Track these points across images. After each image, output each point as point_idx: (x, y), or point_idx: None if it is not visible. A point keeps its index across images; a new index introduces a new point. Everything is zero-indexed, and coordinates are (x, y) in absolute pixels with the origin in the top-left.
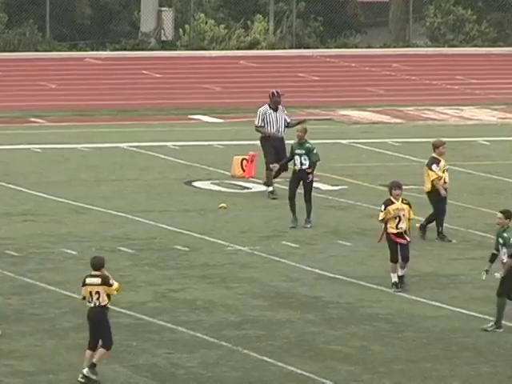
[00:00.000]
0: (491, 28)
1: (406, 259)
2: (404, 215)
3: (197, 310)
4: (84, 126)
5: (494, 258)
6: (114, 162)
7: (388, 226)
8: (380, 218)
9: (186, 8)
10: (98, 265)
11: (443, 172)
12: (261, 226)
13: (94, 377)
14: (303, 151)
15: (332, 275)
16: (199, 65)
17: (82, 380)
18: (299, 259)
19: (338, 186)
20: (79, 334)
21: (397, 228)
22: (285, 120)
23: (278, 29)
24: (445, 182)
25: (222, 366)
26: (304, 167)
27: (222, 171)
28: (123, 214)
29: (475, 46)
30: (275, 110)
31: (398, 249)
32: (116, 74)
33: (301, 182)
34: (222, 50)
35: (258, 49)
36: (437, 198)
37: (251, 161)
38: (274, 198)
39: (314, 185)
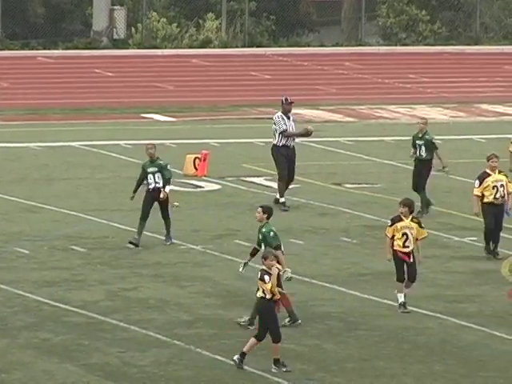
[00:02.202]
0: (443, 27)
1: (412, 279)
2: (412, 233)
3: (149, 309)
4: (36, 124)
5: (255, 251)
6: (67, 161)
7: (395, 243)
8: (387, 233)
9: (137, 7)
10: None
11: (493, 188)
12: (213, 224)
13: (284, 369)
14: (156, 169)
15: None
16: (151, 63)
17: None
18: (253, 258)
19: (290, 184)
20: (31, 332)
21: (404, 246)
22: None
23: (231, 27)
24: (496, 198)
25: (174, 365)
26: (158, 185)
27: (174, 170)
28: (75, 213)
29: (427, 44)
30: (287, 117)
31: (404, 267)
32: (68, 72)
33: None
34: (175, 48)
35: (210, 47)
36: (484, 212)
37: (204, 159)
38: (285, 210)
39: (267, 183)
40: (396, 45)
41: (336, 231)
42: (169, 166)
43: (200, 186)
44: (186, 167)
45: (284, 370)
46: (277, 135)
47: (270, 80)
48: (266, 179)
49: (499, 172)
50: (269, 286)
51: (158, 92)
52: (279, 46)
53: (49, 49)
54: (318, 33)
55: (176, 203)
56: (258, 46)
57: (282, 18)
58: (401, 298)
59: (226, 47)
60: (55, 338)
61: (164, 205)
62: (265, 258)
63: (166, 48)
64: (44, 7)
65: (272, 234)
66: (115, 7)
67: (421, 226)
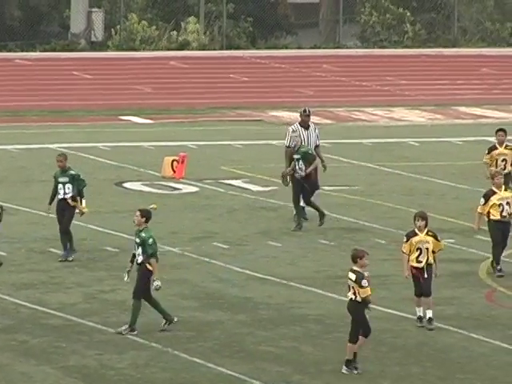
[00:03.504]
0: (422, 29)
1: (425, 294)
2: (427, 248)
3: (127, 312)
4: (14, 126)
5: (134, 258)
6: (44, 163)
7: (410, 258)
8: (404, 249)
9: (114, 9)
10: (355, 257)
11: (499, 206)
12: (191, 226)
13: (355, 371)
14: (67, 179)
15: (262, 276)
16: (129, 65)
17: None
18: (230, 260)
19: (268, 186)
20: (9, 335)
21: (417, 261)
22: (315, 140)
23: (209, 30)
24: (503, 216)
25: (152, 367)
26: (67, 196)
27: (152, 172)
28: (53, 215)
29: (405, 46)
30: (306, 128)
31: (419, 282)
32: (46, 74)
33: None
34: (153, 50)
35: (188, 50)
36: (491, 230)
37: (182, 162)
38: (305, 219)
39: (245, 186)
40: (374, 47)
41: (314, 233)
42: (81, 176)
43: (178, 189)
44: (163, 169)
45: (356, 372)
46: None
47: (248, 82)
48: (243, 181)
49: (505, 189)
50: (368, 290)
51: (136, 94)
52: (257, 49)
53: (26, 51)
54: (296, 35)
55: (153, 205)
56: (236, 49)
57: (260, 21)
58: (419, 311)
59: (204, 49)
60: (33, 340)
61: (68, 217)
62: (360, 257)
63: (144, 50)
64: (21, 10)
65: (151, 240)
66: (93, 9)
67: (437, 239)
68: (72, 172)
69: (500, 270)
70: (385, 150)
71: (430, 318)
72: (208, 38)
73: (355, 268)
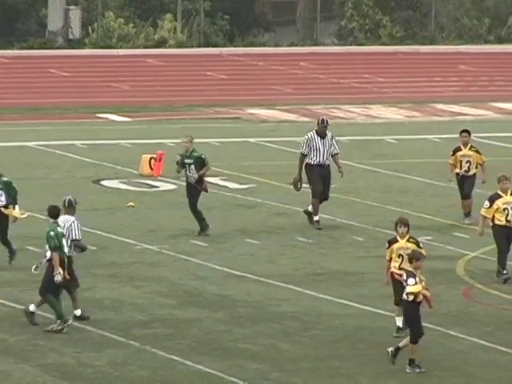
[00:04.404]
0: (397, 26)
1: None
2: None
3: (105, 309)
4: None
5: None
6: (22, 161)
7: (391, 265)
8: (387, 256)
9: (92, 6)
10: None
11: (504, 210)
12: (169, 224)
13: (417, 370)
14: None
15: (240, 273)
16: (107, 63)
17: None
18: (207, 258)
19: (246, 184)
20: None
21: (399, 268)
22: (333, 148)
23: (186, 27)
24: (508, 221)
25: (129, 365)
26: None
27: (130, 170)
28: (31, 213)
29: (382, 44)
30: (322, 137)
31: (401, 290)
32: (23, 72)
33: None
34: (130, 48)
35: (165, 47)
36: (495, 235)
37: (159, 159)
38: (319, 228)
39: (223, 183)
40: (351, 44)
41: (292, 231)
42: (13, 184)
43: (155, 186)
44: (141, 167)
45: (418, 370)
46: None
47: (225, 80)
48: (221, 179)
49: (511, 193)
50: (413, 288)
51: (114, 92)
52: (234, 46)
53: (4, 49)
54: (274, 33)
55: (131, 203)
56: (213, 46)
57: (237, 18)
58: (398, 321)
59: (181, 47)
60: (11, 338)
61: (3, 225)
62: (417, 258)
63: (121, 48)
64: None
65: (52, 233)
66: (70, 7)
67: (419, 246)
68: (4, 179)
69: (506, 274)
70: (362, 147)
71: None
72: (185, 36)
73: (409, 268)
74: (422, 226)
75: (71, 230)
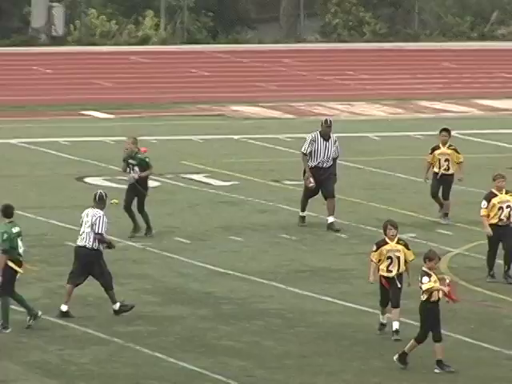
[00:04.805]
0: (380, 23)
1: (394, 305)
2: (398, 257)
3: (88, 306)
4: None
5: None
6: (5, 158)
7: (380, 267)
8: (373, 258)
9: (75, 4)
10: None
11: (499, 209)
12: (153, 221)
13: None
14: None
15: (224, 271)
16: (90, 60)
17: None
18: (191, 255)
19: (229, 181)
20: None
21: (387, 271)
22: (335, 152)
23: (169, 24)
24: (500, 219)
25: (113, 363)
26: None
27: (113, 167)
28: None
29: (366, 41)
30: (326, 139)
31: (387, 292)
32: (6, 69)
33: None
34: (113, 45)
35: (149, 44)
36: (488, 235)
37: None
38: (303, 225)
39: (206, 180)
40: (335, 41)
41: (275, 228)
42: None
43: None
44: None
45: (447, 370)
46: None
47: (209, 77)
48: (205, 176)
49: (506, 192)
50: (425, 286)
51: (97, 89)
52: (218, 43)
53: None
54: (257, 30)
55: (115, 200)
56: (196, 43)
57: (221, 15)
58: (382, 319)
59: (164, 44)
60: None
61: None
62: (430, 258)
63: (104, 45)
64: None
65: (5, 236)
66: (53, 4)
67: (408, 248)
68: None
69: (493, 276)
70: (345, 144)
71: (396, 329)
72: (168, 33)
73: (423, 268)
74: (406, 223)
75: (96, 224)
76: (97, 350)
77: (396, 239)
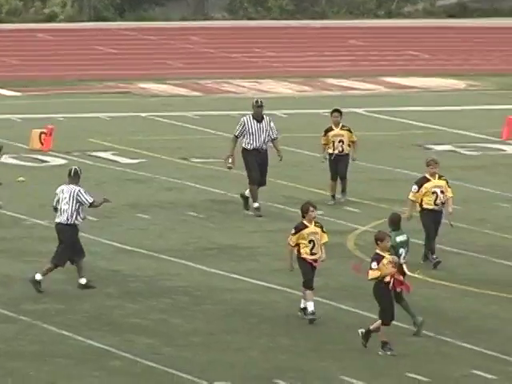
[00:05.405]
0: (289, 0)
1: (309, 286)
2: (318, 239)
3: None
4: None
5: None
6: None
7: (302, 250)
8: (291, 242)
9: None
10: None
11: (432, 193)
12: None
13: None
14: None
15: (131, 248)
16: None
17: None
18: (98, 232)
19: (136, 159)
20: None
21: (311, 253)
22: (271, 132)
23: (76, 2)
24: (436, 204)
25: (20, 340)
26: None
27: (20, 144)
28: None
29: (273, 18)
30: (258, 120)
31: (312, 273)
32: None
33: None
34: (20, 23)
35: (56, 22)
36: (424, 220)
37: (49, 134)
38: (259, 216)
39: (113, 158)
40: (242, 19)
41: (183, 206)
42: None
43: (46, 161)
44: (31, 142)
45: (390, 353)
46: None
47: (116, 54)
48: (112, 154)
49: (439, 177)
50: (374, 273)
51: (3, 66)
52: (125, 21)
53: None
54: (165, 7)
55: (21, 178)
56: (103, 21)
57: None
58: (303, 303)
59: (71, 21)
60: None
61: None
62: (380, 239)
63: (11, 22)
64: None
65: None
66: None
67: (323, 231)
68: None
69: (436, 259)
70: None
71: (312, 311)
72: (75, 10)
73: (376, 251)
74: (313, 200)
75: (80, 198)
76: (4, 329)
77: (313, 222)
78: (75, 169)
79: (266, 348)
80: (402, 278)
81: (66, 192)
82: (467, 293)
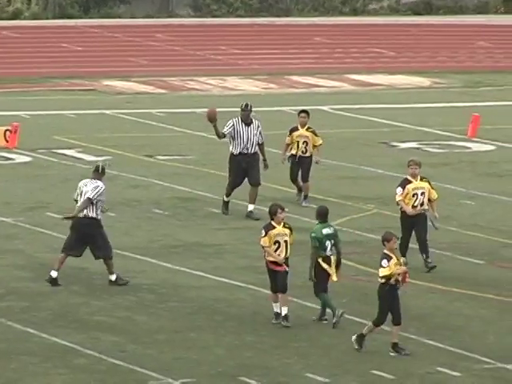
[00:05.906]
0: None
1: (282, 290)
2: (286, 241)
3: None
4: None
5: None
6: None
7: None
8: (264, 244)
9: None
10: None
11: (413, 196)
12: (25, 196)
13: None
14: None
15: None
16: None
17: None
18: (63, 230)
19: (102, 156)
20: None
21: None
22: (259, 137)
23: None
24: (414, 206)
25: None
26: None
27: None
28: None
29: (238, 16)
30: (247, 123)
31: (275, 277)
32: None
33: None
34: None
35: (20, 19)
36: (401, 218)
37: (14, 131)
38: (257, 219)
39: (78, 155)
40: (207, 16)
41: (148, 203)
42: None
43: (11, 159)
44: None
45: (403, 353)
46: (232, 143)
47: (81, 52)
48: (77, 151)
49: (421, 179)
50: (382, 272)
51: None
52: (90, 18)
53: None
54: (130, 4)
55: None
56: (68, 18)
57: None
58: (275, 307)
59: (36, 19)
60: None
61: None
62: (387, 240)
63: None
64: None
65: None
66: None
67: (292, 232)
68: None
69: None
70: (218, 119)
71: (285, 315)
72: (40, 8)
73: (384, 251)
74: (278, 197)
75: (93, 190)
76: None
77: (282, 223)
78: (102, 165)
79: (232, 345)
80: (407, 274)
81: (89, 186)
82: (432, 290)
